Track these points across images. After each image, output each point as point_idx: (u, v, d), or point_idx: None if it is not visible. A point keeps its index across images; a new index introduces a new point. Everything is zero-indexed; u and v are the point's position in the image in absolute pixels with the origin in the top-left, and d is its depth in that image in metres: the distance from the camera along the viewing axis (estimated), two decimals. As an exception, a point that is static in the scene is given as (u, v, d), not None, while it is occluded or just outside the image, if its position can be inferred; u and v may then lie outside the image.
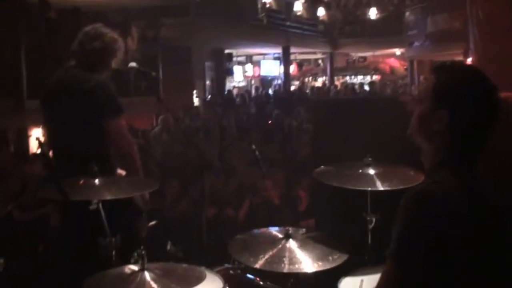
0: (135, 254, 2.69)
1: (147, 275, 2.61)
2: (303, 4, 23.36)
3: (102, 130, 3.83)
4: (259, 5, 20.50)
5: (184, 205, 6.82)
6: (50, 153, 3.84)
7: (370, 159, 3.55)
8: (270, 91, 23.95)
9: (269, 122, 14.59)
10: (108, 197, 3.08)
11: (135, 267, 2.67)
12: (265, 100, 18.98)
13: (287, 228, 3.29)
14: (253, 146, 3.90)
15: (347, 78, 29.99)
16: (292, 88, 24.02)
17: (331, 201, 4.37)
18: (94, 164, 3.15)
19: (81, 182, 3.19)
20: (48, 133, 4.20)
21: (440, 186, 2.01)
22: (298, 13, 22.80)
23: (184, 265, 2.86)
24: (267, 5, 20.91)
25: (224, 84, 23.01)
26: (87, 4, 14.73)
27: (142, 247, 2.58)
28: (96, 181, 3.20)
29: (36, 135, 13.77)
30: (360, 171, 3.52)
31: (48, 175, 2.55)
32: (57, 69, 4.19)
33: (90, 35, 4.01)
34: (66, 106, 3.89)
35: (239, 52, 26.04)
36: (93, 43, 3.98)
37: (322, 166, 3.74)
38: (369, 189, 3.41)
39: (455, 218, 1.95)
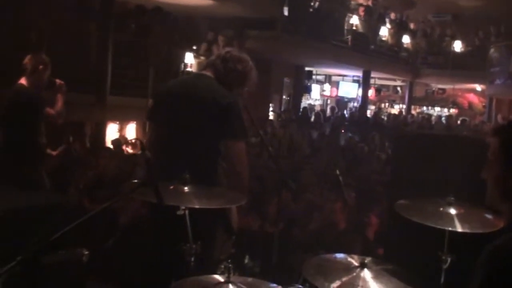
0: (222, 265, 2.78)
1: (231, 287, 2.69)
2: (389, 30, 23.17)
3: (217, 144, 3.92)
4: (346, 27, 20.50)
5: (251, 219, 6.79)
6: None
7: (452, 198, 3.55)
8: (346, 113, 23.90)
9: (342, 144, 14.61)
10: (196, 206, 3.18)
11: (220, 278, 2.76)
12: (340, 122, 18.95)
13: (363, 257, 3.33)
14: (337, 171, 3.94)
15: (424, 108, 29.58)
16: (368, 112, 23.87)
17: (405, 234, 4.34)
18: (198, 172, 3.27)
19: (172, 187, 3.30)
20: (154, 132, 4.24)
21: None
22: (383, 38, 22.63)
23: (267, 283, 2.91)
24: (354, 27, 20.88)
25: (300, 101, 23.09)
26: (177, 9, 15.09)
27: (229, 260, 2.67)
28: (186, 188, 3.31)
29: (112, 130, 14.19)
30: (441, 209, 3.48)
31: (147, 178, 2.65)
32: (140, 69, 4.28)
33: (235, 57, 4.14)
34: (192, 111, 3.96)
35: (318, 70, 26.10)
36: (236, 64, 4.10)
37: (402, 200, 3.72)
38: (449, 229, 3.39)
39: None
